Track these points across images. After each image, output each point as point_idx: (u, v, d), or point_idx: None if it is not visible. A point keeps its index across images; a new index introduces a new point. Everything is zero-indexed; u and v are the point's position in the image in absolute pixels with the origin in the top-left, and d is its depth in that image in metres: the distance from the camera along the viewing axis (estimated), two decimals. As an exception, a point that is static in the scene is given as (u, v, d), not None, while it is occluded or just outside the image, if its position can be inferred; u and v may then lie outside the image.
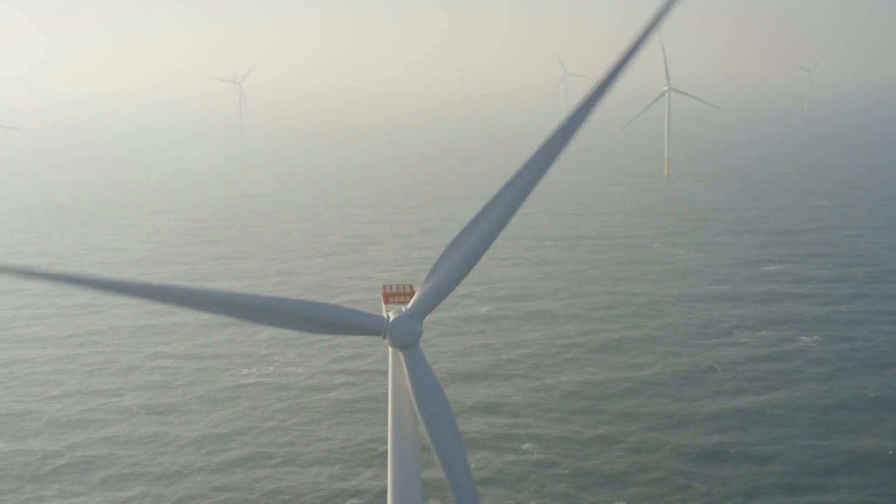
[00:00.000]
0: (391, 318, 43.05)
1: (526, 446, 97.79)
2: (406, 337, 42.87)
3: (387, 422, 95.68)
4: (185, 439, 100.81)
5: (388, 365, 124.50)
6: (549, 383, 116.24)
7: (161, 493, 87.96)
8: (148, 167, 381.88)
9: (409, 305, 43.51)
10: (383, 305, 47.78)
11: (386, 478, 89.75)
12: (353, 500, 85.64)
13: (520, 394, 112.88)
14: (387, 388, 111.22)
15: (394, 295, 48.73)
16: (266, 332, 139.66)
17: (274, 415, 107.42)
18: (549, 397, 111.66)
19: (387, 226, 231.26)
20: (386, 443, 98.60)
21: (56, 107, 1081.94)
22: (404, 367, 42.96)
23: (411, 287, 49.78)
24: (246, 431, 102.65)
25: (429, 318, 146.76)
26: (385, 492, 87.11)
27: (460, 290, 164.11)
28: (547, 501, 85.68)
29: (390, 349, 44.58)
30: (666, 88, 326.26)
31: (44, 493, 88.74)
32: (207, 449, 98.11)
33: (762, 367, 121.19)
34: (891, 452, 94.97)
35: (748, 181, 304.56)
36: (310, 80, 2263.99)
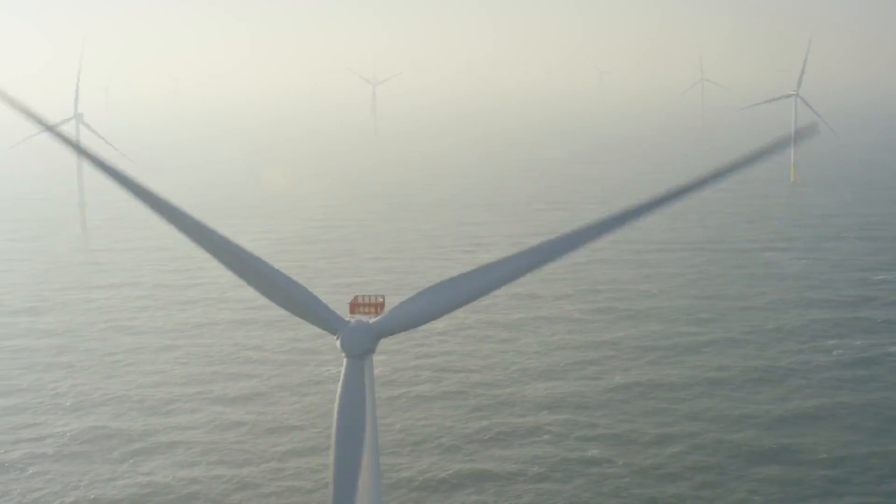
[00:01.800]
0: (351, 323, 44.08)
1: (586, 442, 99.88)
2: (354, 347, 43.67)
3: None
4: (263, 427, 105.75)
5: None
6: (622, 382, 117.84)
7: (227, 475, 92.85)
8: (277, 166, 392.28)
9: (375, 320, 44.30)
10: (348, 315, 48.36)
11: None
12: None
13: (591, 391, 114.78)
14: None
15: (362, 305, 48.71)
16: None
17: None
18: (616, 396, 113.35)
19: (501, 227, 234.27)
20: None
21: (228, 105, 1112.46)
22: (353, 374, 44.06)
23: (383, 299, 50.04)
24: (318, 423, 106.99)
25: (518, 315, 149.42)
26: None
27: (553, 289, 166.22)
28: (597, 497, 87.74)
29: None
30: (793, 93, 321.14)
31: (132, 470, 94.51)
32: (286, 437, 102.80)
33: (844, 373, 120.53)
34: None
35: (875, 188, 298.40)
36: (452, 83, 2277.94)
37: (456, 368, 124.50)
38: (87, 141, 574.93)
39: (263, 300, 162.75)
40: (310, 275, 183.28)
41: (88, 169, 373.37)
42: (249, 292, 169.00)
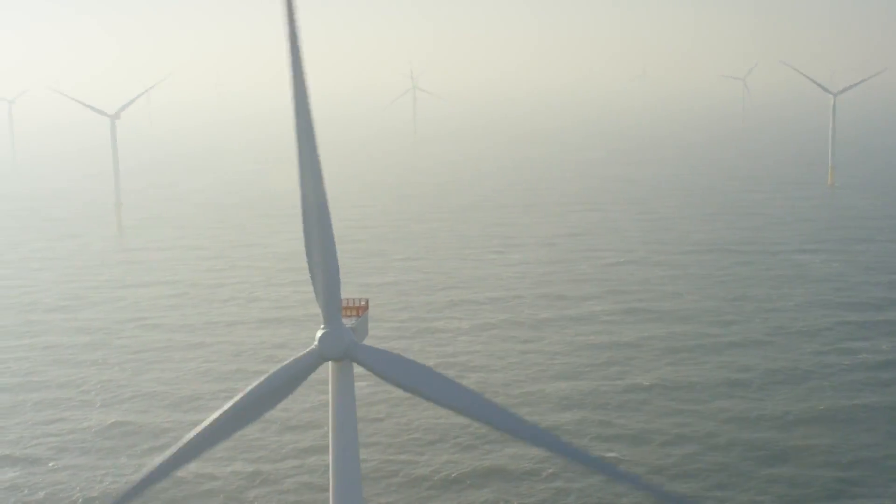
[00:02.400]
0: (317, 337, 44.51)
1: (602, 442, 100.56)
2: (333, 348, 44.17)
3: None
4: (284, 424, 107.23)
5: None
6: (642, 382, 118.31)
7: (245, 470, 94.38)
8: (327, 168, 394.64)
9: (324, 324, 44.93)
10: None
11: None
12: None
13: (611, 391, 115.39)
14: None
15: (344, 309, 48.90)
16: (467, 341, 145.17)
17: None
18: (636, 396, 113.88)
19: (533, 229, 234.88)
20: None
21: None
22: (339, 378, 44.82)
23: (366, 302, 50.22)
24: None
25: (544, 314, 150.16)
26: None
27: (581, 290, 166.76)
28: (609, 496, 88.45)
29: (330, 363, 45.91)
30: (832, 95, 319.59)
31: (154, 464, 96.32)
32: (305, 434, 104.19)
33: (866, 375, 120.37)
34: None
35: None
36: (493, 84, 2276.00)
37: (477, 367, 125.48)
38: (123, 142, 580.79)
39: (291, 300, 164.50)
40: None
41: (125, 169, 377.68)
42: (279, 292, 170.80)
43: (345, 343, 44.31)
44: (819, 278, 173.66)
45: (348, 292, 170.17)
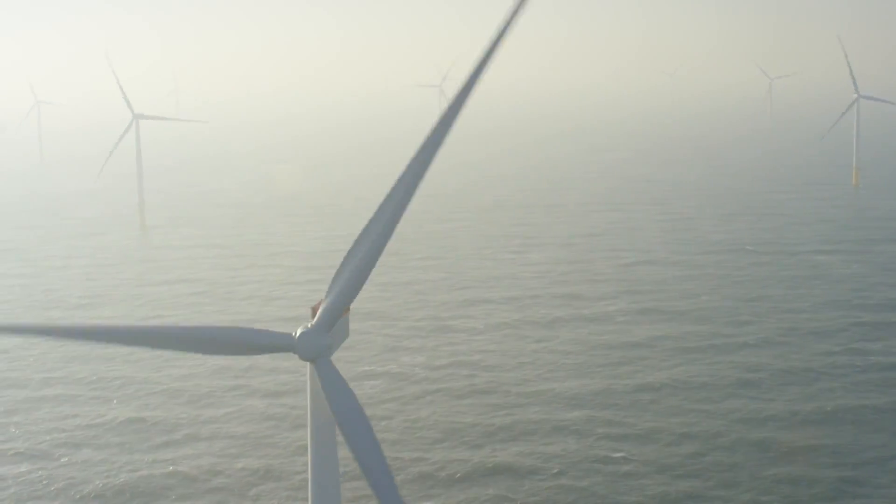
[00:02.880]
0: (297, 334, 45.11)
1: (608, 441, 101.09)
2: (311, 350, 44.72)
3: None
4: (292, 421, 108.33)
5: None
6: (653, 382, 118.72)
7: (252, 466, 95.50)
8: (348, 166, 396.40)
9: (314, 320, 45.44)
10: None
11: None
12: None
13: (620, 390, 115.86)
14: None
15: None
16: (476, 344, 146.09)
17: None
18: (645, 396, 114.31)
19: (553, 228, 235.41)
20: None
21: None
22: (317, 379, 45.40)
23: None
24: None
25: (559, 313, 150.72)
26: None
27: (598, 289, 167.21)
28: (612, 494, 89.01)
29: (309, 364, 46.50)
30: (855, 96, 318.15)
31: (162, 459, 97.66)
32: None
33: (878, 376, 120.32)
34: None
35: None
36: (522, 83, 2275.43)
37: (490, 366, 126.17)
38: (146, 143, 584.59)
39: (309, 299, 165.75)
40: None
41: (148, 169, 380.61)
42: (297, 290, 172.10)
43: (315, 349, 44.75)
44: (837, 279, 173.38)
45: (362, 292, 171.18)
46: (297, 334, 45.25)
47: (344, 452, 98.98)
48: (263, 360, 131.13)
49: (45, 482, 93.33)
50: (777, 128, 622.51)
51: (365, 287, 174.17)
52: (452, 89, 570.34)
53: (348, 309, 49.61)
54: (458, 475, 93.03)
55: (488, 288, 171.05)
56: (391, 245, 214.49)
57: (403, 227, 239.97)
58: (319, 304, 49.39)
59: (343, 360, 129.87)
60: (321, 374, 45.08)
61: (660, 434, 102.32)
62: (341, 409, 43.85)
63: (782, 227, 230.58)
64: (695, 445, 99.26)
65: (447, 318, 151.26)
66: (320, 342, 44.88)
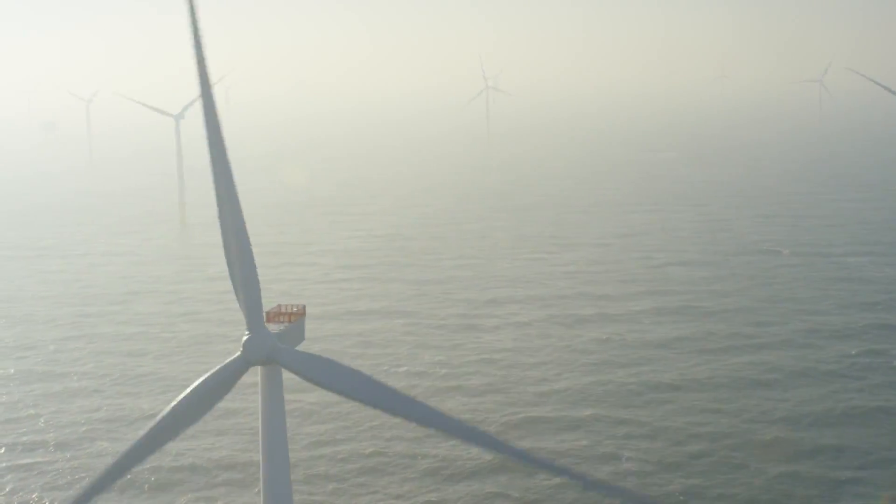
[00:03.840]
0: (254, 333, 46.08)
1: (619, 439, 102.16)
2: (256, 353, 45.70)
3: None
4: (301, 414, 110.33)
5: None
6: (671, 380, 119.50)
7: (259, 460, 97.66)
8: (388, 165, 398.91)
9: (279, 331, 46.43)
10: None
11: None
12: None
13: (638, 388, 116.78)
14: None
15: (279, 315, 50.36)
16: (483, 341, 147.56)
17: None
18: (661, 395, 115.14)
19: (589, 228, 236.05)
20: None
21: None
22: (268, 381, 46.48)
23: (303, 308, 51.43)
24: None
25: (585, 312, 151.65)
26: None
27: (626, 289, 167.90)
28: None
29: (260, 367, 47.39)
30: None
31: (178, 450, 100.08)
32: (324, 426, 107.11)
33: (894, 378, 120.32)
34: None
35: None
36: (569, 82, 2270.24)
37: (511, 364, 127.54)
38: (187, 142, 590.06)
39: (342, 296, 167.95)
40: (387, 272, 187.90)
41: (189, 168, 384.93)
42: (323, 289, 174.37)
43: (267, 347, 45.67)
44: (866, 280, 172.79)
45: (392, 290, 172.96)
46: (242, 342, 46.16)
47: (297, 454, 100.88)
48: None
49: (56, 473, 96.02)
50: (825, 130, 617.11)
51: (393, 286, 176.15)
52: (500, 90, 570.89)
53: (302, 313, 50.39)
54: (468, 468, 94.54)
55: (517, 287, 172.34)
56: (425, 244, 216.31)
57: (440, 226, 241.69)
58: (281, 307, 50.52)
59: (363, 356, 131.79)
60: (264, 378, 45.90)
61: (672, 431, 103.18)
62: (267, 416, 44.84)
63: (818, 229, 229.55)
64: (706, 443, 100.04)
65: (472, 315, 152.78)
66: (265, 345, 45.43)
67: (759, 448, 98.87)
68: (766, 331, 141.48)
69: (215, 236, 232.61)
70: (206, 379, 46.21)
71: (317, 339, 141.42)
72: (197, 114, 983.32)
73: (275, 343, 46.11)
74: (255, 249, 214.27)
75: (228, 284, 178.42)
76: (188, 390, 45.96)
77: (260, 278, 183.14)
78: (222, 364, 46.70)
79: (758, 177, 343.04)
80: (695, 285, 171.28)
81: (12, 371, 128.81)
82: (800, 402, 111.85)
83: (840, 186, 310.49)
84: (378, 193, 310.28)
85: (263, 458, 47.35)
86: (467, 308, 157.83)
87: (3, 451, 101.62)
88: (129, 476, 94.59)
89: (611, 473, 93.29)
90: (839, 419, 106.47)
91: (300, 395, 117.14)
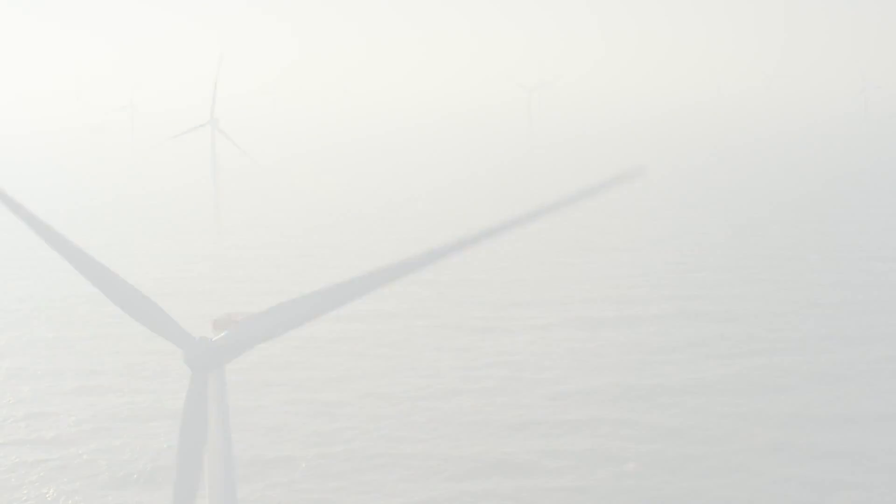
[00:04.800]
0: (197, 339, 46.63)
1: (621, 440, 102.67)
2: (195, 359, 45.92)
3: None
4: (312, 410, 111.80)
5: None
6: (680, 383, 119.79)
7: (265, 456, 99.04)
8: (439, 173, 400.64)
9: (220, 336, 46.45)
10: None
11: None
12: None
13: (646, 390, 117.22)
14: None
15: (224, 322, 50.00)
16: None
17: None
18: (669, 397, 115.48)
19: (620, 233, 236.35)
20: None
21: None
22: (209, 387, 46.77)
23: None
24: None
25: (605, 314, 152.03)
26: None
27: (646, 293, 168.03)
28: (612, 493, 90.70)
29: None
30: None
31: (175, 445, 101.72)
32: (333, 424, 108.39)
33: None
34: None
35: None
36: (612, 86, 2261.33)
37: (527, 366, 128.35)
38: (222, 148, 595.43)
39: (366, 307, 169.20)
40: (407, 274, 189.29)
41: (225, 171, 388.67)
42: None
43: (202, 349, 45.84)
44: (891, 285, 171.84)
45: (405, 289, 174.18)
46: (197, 340, 46.58)
47: (299, 452, 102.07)
48: (306, 356, 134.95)
49: (63, 468, 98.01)
50: (870, 132, 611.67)
51: (407, 286, 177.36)
52: (544, 96, 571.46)
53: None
54: (466, 468, 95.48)
55: (538, 290, 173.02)
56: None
57: (470, 229, 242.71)
58: (229, 316, 50.67)
59: (377, 356, 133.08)
60: (192, 384, 46.22)
61: (677, 433, 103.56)
62: (189, 423, 45.02)
63: (850, 233, 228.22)
64: (712, 445, 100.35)
65: (490, 318, 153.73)
66: (204, 355, 45.76)
67: (771, 449, 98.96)
68: (782, 335, 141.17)
69: (251, 240, 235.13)
70: (186, 406, 46.74)
71: (343, 340, 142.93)
72: (234, 118, 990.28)
73: (208, 345, 46.41)
74: (280, 252, 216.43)
75: (255, 287, 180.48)
76: (182, 423, 46.75)
77: (287, 280, 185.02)
78: (187, 390, 47.28)
79: (792, 180, 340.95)
80: (717, 289, 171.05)
81: (46, 367, 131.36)
82: (814, 404, 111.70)
83: (880, 191, 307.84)
84: (403, 201, 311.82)
85: (179, 458, 47.64)
86: (485, 310, 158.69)
87: (32, 445, 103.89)
88: (127, 475, 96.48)
89: (614, 474, 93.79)
90: (848, 421, 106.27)
91: (307, 394, 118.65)
